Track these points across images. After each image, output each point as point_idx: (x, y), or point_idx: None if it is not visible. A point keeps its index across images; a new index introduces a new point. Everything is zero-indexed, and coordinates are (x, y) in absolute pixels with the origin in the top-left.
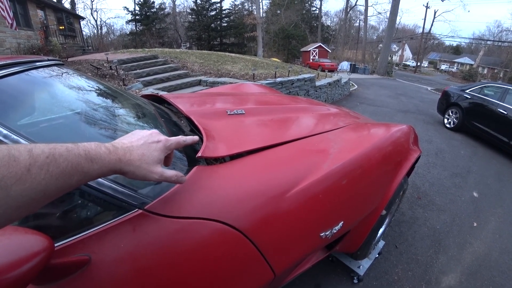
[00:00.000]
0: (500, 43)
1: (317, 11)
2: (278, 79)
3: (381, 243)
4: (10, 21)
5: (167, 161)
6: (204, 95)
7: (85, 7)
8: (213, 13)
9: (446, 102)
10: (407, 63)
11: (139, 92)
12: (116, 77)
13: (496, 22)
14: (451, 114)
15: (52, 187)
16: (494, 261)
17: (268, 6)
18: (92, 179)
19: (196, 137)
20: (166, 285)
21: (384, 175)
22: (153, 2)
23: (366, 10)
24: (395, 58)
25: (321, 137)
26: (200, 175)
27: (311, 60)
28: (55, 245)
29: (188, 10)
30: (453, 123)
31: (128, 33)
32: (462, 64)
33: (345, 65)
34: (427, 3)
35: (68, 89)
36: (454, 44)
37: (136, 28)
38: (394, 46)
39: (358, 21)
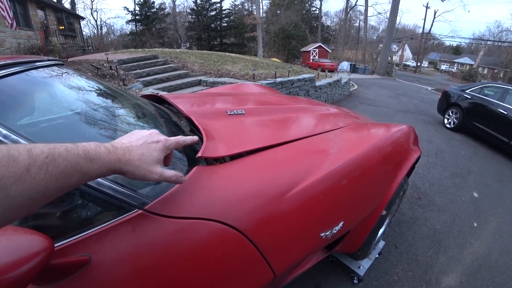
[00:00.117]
0: (500, 43)
1: (317, 11)
2: (278, 79)
3: (381, 243)
4: (10, 21)
5: (166, 161)
6: (204, 95)
7: (85, 7)
8: (213, 13)
9: (446, 102)
10: (407, 63)
11: (139, 92)
12: (116, 77)
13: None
14: (451, 114)
15: (52, 187)
16: (495, 261)
17: (268, 6)
18: (92, 179)
19: (195, 137)
20: (166, 285)
21: (384, 175)
22: (153, 2)
23: (366, 10)
24: (395, 58)
25: (321, 137)
26: (200, 175)
27: (311, 60)
28: (55, 245)
29: (188, 10)
30: (453, 123)
31: (128, 33)
32: (462, 64)
33: (345, 65)
34: (427, 3)
35: (68, 89)
36: (454, 44)
37: (136, 28)
38: (394, 46)
39: (358, 21)
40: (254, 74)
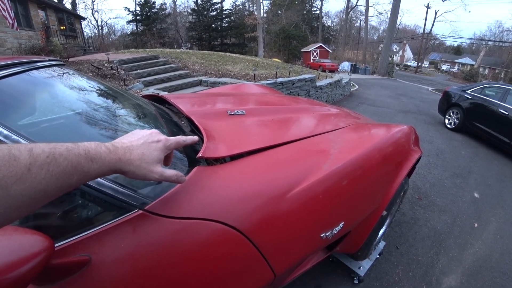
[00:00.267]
0: (501, 44)
1: (317, 12)
2: (279, 80)
3: (382, 244)
4: (11, 22)
5: (167, 161)
6: (204, 96)
7: (86, 7)
8: (214, 13)
9: (447, 103)
10: (408, 63)
11: (140, 92)
12: (117, 77)
13: (497, 22)
14: (452, 114)
15: (52, 187)
16: (495, 262)
17: (269, 7)
18: (92, 178)
19: (196, 137)
20: (166, 286)
21: (385, 175)
22: (154, 3)
23: (367, 10)
24: (396, 59)
25: (321, 137)
26: (201, 176)
27: (311, 61)
28: (55, 245)
29: (189, 11)
30: (454, 124)
31: (129, 33)
32: (463, 64)
33: (345, 65)
34: (428, 4)
35: (68, 89)
36: (455, 44)
37: (137, 28)
38: (395, 46)
39: (359, 22)
40: (254, 74)
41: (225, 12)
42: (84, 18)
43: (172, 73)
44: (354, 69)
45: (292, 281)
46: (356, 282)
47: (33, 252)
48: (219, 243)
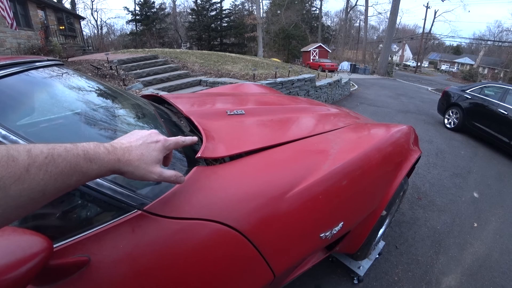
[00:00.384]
0: (500, 43)
1: (317, 11)
2: (279, 79)
3: (381, 244)
4: (10, 21)
5: (166, 161)
6: (204, 95)
7: (86, 7)
8: (213, 13)
9: (446, 102)
10: (408, 63)
11: (139, 92)
12: (116, 77)
13: (497, 22)
14: (451, 114)
15: (51, 187)
16: (495, 262)
17: (268, 6)
18: (91, 179)
19: (195, 138)
20: (165, 286)
21: (384, 175)
22: (153, 2)
23: (366, 10)
24: (396, 58)
25: (321, 137)
26: (200, 176)
27: (311, 60)
28: (54, 246)
29: (188, 10)
30: (454, 124)
31: (128, 33)
32: (462, 64)
33: (345, 65)
34: (427, 3)
35: (67, 90)
36: (455, 44)
37: (136, 28)
38: (395, 46)
39: (358, 21)
40: (254, 74)
41: (224, 12)
42: (83, 18)
43: (172, 73)
44: (354, 69)
45: (292, 281)
46: (355, 282)
47: (32, 253)
48: (218, 243)
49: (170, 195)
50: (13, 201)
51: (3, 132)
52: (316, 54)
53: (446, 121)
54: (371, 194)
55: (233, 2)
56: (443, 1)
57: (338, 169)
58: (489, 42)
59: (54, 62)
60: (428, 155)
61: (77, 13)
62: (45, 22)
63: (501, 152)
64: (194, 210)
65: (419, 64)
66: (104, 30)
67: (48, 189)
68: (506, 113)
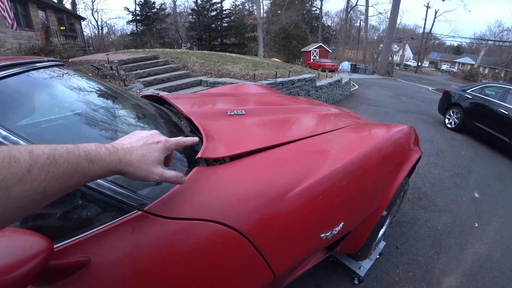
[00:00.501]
0: (501, 43)
1: (317, 11)
2: (279, 79)
3: (382, 244)
4: (10, 22)
5: (167, 162)
6: (204, 96)
7: (86, 7)
8: (213, 13)
9: (447, 102)
10: (408, 63)
11: (140, 93)
12: (117, 78)
13: (497, 22)
14: (452, 114)
15: (53, 188)
16: (496, 262)
17: (269, 6)
18: (92, 179)
19: (196, 138)
20: (165, 287)
21: (385, 175)
22: (154, 3)
23: (366, 10)
24: (396, 58)
25: (321, 137)
26: (200, 176)
27: (311, 60)
28: (54, 246)
29: (189, 11)
30: (454, 123)
31: (129, 33)
32: (463, 64)
33: (345, 65)
34: (428, 3)
35: (68, 90)
36: (455, 44)
37: (136, 28)
38: (395, 46)
39: (358, 21)
40: (254, 74)
41: (225, 12)
42: (84, 18)
43: (172, 73)
44: (354, 69)
45: (292, 281)
46: (356, 282)
47: (32, 253)
48: (218, 243)
49: (170, 195)
50: (14, 201)
51: (4, 133)
52: (316, 54)
53: (446, 121)
54: (372, 194)
55: (233, 2)
56: (443, 1)
57: (338, 169)
58: (489, 42)
59: (55, 62)
60: (428, 155)
61: (78, 13)
62: (46, 22)
63: (502, 152)
64: (194, 211)
65: (419, 64)
66: (105, 30)
67: (49, 190)
68: (506, 113)
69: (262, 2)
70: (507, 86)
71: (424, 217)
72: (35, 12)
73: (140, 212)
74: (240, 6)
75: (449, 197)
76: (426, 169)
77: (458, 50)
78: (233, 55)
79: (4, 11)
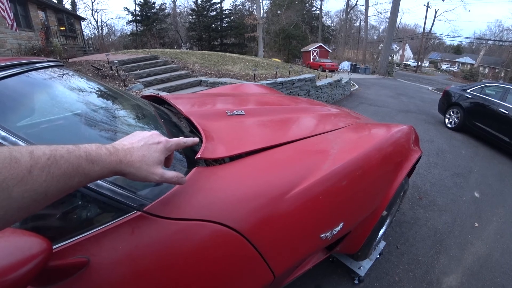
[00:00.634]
0: (501, 43)
1: (317, 11)
2: (279, 79)
3: (382, 244)
4: (10, 22)
5: (167, 162)
6: (204, 96)
7: (86, 8)
8: (213, 13)
9: (447, 102)
10: (408, 63)
11: (140, 93)
12: (117, 78)
13: (497, 21)
14: (452, 114)
15: (53, 189)
16: (496, 262)
17: (269, 7)
18: (93, 180)
19: (196, 139)
20: (164, 287)
21: (385, 175)
22: (154, 3)
23: (366, 10)
24: (396, 58)
25: (321, 137)
26: (199, 177)
27: (311, 60)
28: (54, 247)
29: (189, 11)
30: (454, 123)
31: (128, 33)
32: (463, 63)
33: (345, 65)
34: (428, 3)
35: (67, 90)
36: (455, 43)
37: (136, 28)
38: (395, 46)
39: (358, 21)
40: (254, 74)
41: (224, 12)
42: (83, 19)
43: (172, 74)
44: (354, 69)
45: (292, 282)
46: (356, 282)
47: (31, 254)
48: (218, 244)
49: (169, 196)
50: (15, 202)
51: (3, 133)
52: (316, 54)
53: (446, 120)
54: (372, 194)
55: (233, 2)
56: (443, 1)
57: (338, 169)
58: (489, 42)
59: (54, 63)
60: (428, 155)
61: (78, 14)
62: (46, 23)
63: (502, 152)
64: (194, 211)
65: (419, 63)
66: (105, 30)
67: (50, 191)
68: (507, 112)
69: (262, 2)
70: (507, 86)
71: (424, 217)
72: (35, 13)
73: (139, 213)
74: (240, 6)
75: (449, 196)
76: (426, 168)
77: (458, 50)
78: (233, 55)
79: (4, 12)
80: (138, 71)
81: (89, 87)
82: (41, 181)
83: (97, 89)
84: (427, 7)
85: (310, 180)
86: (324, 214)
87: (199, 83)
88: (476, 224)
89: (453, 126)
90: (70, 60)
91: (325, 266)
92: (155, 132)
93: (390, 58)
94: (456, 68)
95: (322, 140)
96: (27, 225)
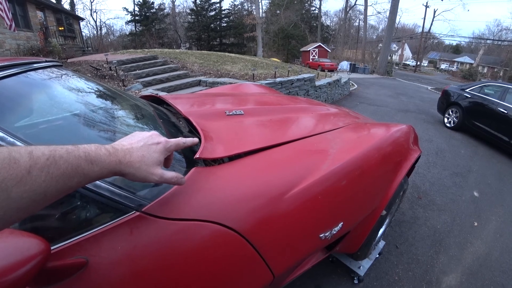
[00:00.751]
0: (499, 42)
1: (316, 11)
2: (278, 79)
3: (382, 243)
4: (9, 22)
5: (167, 163)
6: (203, 96)
7: (85, 8)
8: (212, 13)
9: (446, 102)
10: (407, 62)
11: (139, 93)
12: (116, 78)
13: (496, 21)
14: (451, 113)
15: (52, 189)
16: (495, 261)
17: (268, 6)
18: (92, 181)
19: (195, 139)
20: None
21: (384, 175)
22: (153, 3)
23: (365, 9)
24: (395, 58)
25: (320, 137)
26: (198, 177)
27: (310, 60)
28: (52, 247)
29: (188, 11)
30: (453, 123)
31: (127, 33)
32: (462, 63)
33: (345, 64)
34: (427, 2)
35: (66, 91)
36: (454, 43)
37: (135, 28)
38: (394, 45)
39: (357, 21)
40: (253, 74)
41: (224, 12)
42: (82, 19)
43: (171, 74)
44: (353, 69)
45: (292, 282)
46: (356, 282)
47: (29, 255)
48: (217, 244)
49: (168, 196)
50: (14, 203)
51: (1, 134)
52: (315, 53)
53: (446, 120)
54: (371, 194)
55: (232, 2)
56: (442, 0)
57: (337, 169)
58: (488, 41)
59: (53, 63)
60: (428, 154)
61: (76, 14)
62: (44, 23)
63: (501, 151)
64: (193, 211)
65: (418, 63)
66: (104, 31)
67: (49, 191)
68: (506, 112)
69: (261, 2)
70: (506, 85)
71: (423, 216)
72: (33, 13)
73: (138, 213)
74: (239, 6)
75: (448, 196)
76: (426, 168)
77: (457, 50)
78: (232, 55)
79: (2, 12)
80: (137, 71)
81: (88, 87)
82: (40, 181)
83: (96, 89)
84: (426, 6)
85: (309, 180)
86: (324, 214)
87: (198, 83)
88: (476, 224)
89: (452, 125)
90: (69, 60)
91: (325, 265)
92: (154, 132)
93: (389, 57)
94: (455, 67)
95: (321, 139)
96: (25, 225)
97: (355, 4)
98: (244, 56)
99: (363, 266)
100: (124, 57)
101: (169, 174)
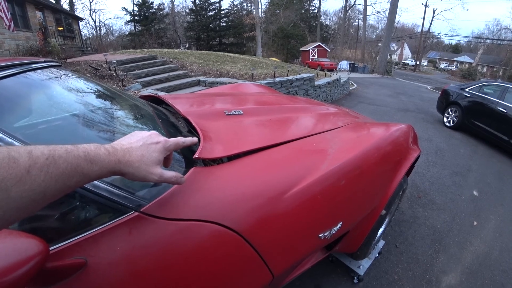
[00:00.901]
0: (499, 42)
1: (316, 11)
2: (277, 79)
3: (381, 243)
4: (8, 23)
5: (166, 162)
6: (202, 96)
7: (84, 8)
8: (212, 13)
9: (445, 101)
10: (407, 62)
11: (138, 93)
12: (115, 78)
13: (495, 20)
14: (450, 112)
15: (52, 189)
16: (495, 260)
17: (267, 6)
18: (92, 180)
19: (195, 139)
20: None
21: (384, 174)
22: (152, 3)
23: (365, 9)
24: (395, 57)
25: (319, 137)
26: (197, 177)
27: (310, 60)
28: (51, 248)
29: (187, 11)
30: (453, 122)
31: (127, 33)
32: (461, 62)
33: (344, 64)
34: (426, 2)
35: (65, 91)
36: (453, 42)
37: (135, 28)
38: (393, 45)
39: (357, 20)
40: (253, 74)
41: (223, 12)
42: (81, 19)
43: (170, 73)
44: (353, 68)
45: (291, 281)
46: (355, 281)
47: (28, 256)
48: (216, 244)
49: (167, 196)
50: (14, 202)
51: (0, 134)
52: (315, 53)
53: (445, 119)
54: (370, 193)
55: (231, 2)
56: (441, 0)
57: (336, 169)
58: (488, 41)
59: (52, 63)
60: (427, 154)
61: (76, 14)
62: (44, 23)
63: (500, 150)
64: (192, 211)
65: (418, 62)
66: (103, 31)
67: (48, 191)
68: (505, 111)
69: (261, 1)
70: (506, 85)
71: (423, 216)
72: (32, 13)
73: (137, 213)
74: (238, 6)
75: (448, 195)
76: (425, 167)
77: (456, 49)
78: (232, 54)
79: (1, 12)
80: (137, 71)
81: (87, 88)
82: (40, 181)
83: (95, 89)
84: (426, 6)
85: (308, 180)
86: (323, 213)
87: (198, 83)
88: (475, 223)
89: (452, 125)
90: (68, 61)
91: (325, 265)
92: (154, 132)
93: (388, 57)
94: (454, 67)
95: (320, 139)
96: (24, 226)
97: (354, 3)
98: (243, 56)
99: (363, 266)
100: (123, 57)
101: (169, 173)
